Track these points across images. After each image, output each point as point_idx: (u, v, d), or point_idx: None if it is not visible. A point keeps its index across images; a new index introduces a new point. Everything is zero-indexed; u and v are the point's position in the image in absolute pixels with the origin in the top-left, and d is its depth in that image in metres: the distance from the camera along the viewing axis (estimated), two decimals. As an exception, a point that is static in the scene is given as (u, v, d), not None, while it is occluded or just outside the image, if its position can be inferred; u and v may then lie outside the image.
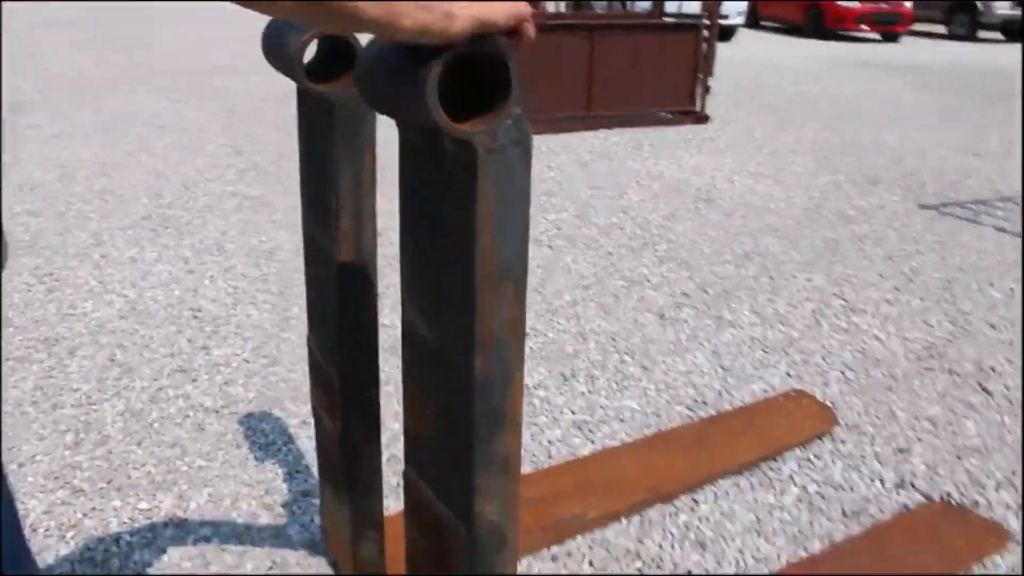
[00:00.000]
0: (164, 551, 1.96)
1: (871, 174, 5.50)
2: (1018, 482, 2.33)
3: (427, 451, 1.20)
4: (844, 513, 2.20)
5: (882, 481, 2.33)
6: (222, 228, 4.18)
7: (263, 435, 2.43)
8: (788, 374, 2.87)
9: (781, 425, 2.46)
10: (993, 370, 2.95)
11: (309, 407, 2.26)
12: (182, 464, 2.29)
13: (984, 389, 2.82)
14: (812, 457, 2.43)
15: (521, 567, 1.98)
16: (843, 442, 2.51)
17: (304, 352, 2.71)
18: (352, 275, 1.50)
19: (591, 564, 2.00)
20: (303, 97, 1.50)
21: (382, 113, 1.08)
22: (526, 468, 2.30)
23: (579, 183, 5.16)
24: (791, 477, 2.33)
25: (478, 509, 1.12)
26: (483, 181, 0.96)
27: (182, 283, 3.49)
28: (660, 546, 2.07)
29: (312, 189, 1.55)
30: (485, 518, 1.13)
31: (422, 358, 1.16)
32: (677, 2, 8.51)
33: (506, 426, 1.10)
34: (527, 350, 3.00)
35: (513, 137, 0.96)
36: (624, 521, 2.14)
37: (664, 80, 6.90)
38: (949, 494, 2.28)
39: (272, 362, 2.85)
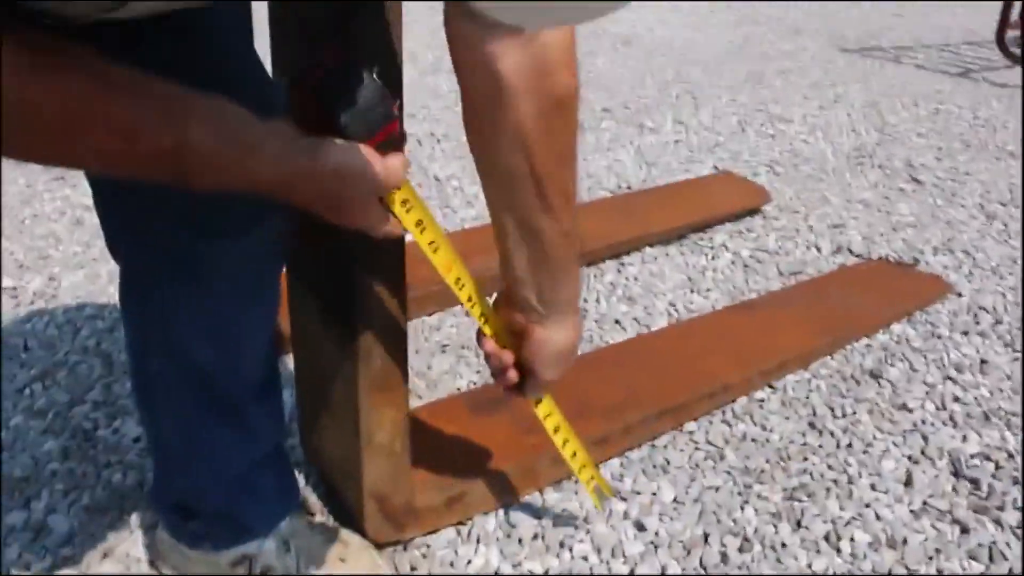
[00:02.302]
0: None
1: (793, 26, 5.34)
2: (955, 245, 2.21)
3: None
4: (780, 272, 2.04)
5: (818, 248, 2.18)
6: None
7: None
8: (715, 167, 2.70)
9: (713, 198, 2.28)
10: (923, 166, 2.82)
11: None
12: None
13: (915, 180, 2.70)
14: (744, 230, 2.26)
15: (432, 320, 1.77)
16: (776, 219, 2.34)
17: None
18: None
19: (507, 316, 1.80)
20: None
21: None
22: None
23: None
24: (723, 245, 2.16)
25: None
26: None
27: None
28: (584, 300, 1.87)
29: None
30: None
31: None
32: None
33: None
34: (440, 151, 2.76)
35: None
36: (543, 279, 1.94)
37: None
38: (888, 256, 2.14)
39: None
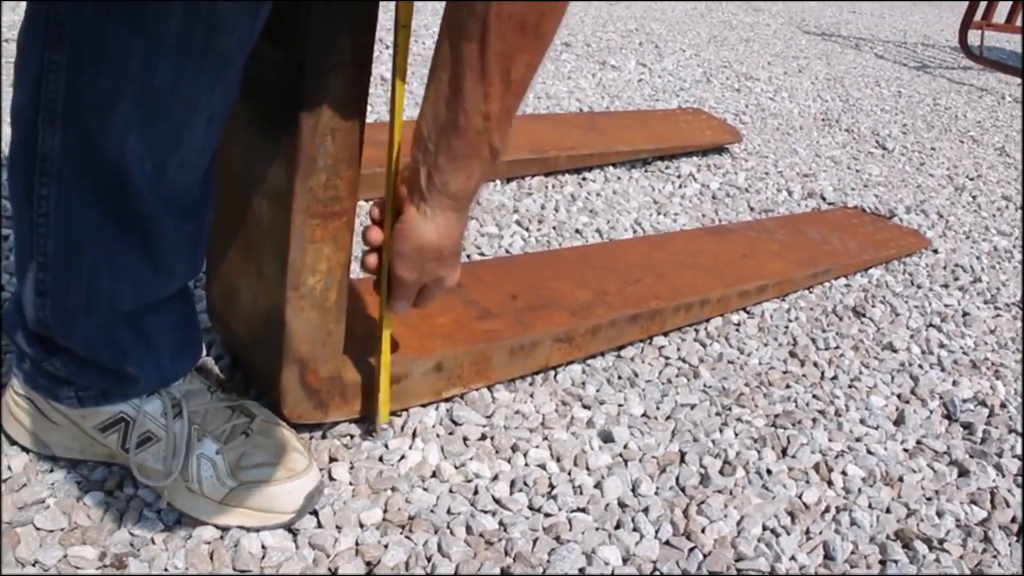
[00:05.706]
0: None
1: (753, 5, 5.24)
2: (928, 208, 2.09)
3: None
4: (751, 208, 1.88)
5: (789, 192, 2.03)
6: None
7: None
8: (680, 107, 2.53)
9: (681, 128, 2.11)
10: (890, 136, 2.71)
11: None
12: None
13: (883, 147, 2.58)
14: (711, 165, 2.09)
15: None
16: (744, 160, 2.19)
17: None
18: None
19: (457, 213, 1.59)
20: None
21: None
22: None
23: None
24: (691, 175, 1.99)
25: None
26: None
27: None
28: (541, 207, 1.67)
29: None
30: None
31: None
32: None
33: None
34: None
35: None
36: (498, 183, 1.73)
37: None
38: (863, 207, 2.00)
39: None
